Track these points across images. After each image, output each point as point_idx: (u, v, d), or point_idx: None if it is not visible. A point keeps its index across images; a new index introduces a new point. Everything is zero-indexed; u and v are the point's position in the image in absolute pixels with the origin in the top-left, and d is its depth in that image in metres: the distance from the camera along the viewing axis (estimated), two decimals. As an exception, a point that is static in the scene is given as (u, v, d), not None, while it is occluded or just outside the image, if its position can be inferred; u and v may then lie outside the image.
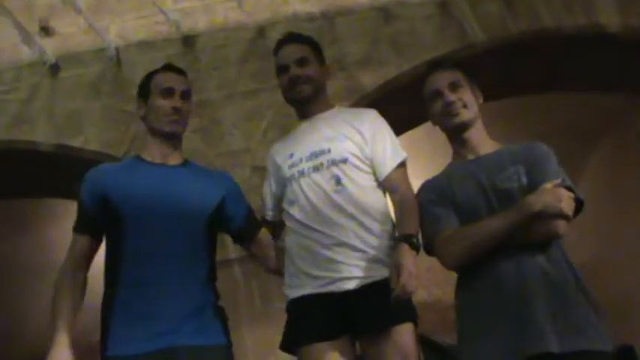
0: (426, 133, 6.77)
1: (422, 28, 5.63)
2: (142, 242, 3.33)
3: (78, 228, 3.47)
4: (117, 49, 5.74)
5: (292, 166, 3.54)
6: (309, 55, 3.67)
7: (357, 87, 5.50)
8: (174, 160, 3.57)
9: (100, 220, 3.42)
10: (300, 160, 3.52)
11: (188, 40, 5.72)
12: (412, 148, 7.64)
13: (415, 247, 3.28)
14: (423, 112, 5.83)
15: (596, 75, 6.22)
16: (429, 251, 3.40)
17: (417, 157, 8.15)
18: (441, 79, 3.50)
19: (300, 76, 3.59)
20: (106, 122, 5.54)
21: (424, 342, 3.61)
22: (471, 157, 3.43)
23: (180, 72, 3.72)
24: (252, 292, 4.99)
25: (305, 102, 3.65)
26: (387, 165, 3.52)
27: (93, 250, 3.48)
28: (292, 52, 3.65)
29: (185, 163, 3.62)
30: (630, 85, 6.30)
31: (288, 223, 3.55)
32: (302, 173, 3.49)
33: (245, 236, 3.70)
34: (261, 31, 5.63)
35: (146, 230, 3.34)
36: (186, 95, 3.61)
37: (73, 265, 3.42)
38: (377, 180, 3.52)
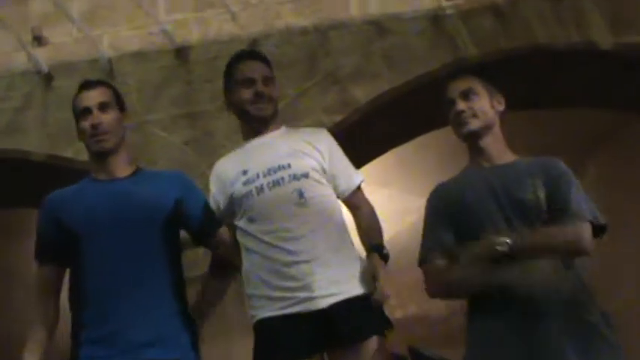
0: (419, 148, 6.85)
1: (414, 42, 5.64)
2: (98, 259, 3.35)
3: (38, 256, 3.52)
4: (110, 60, 5.75)
5: (248, 182, 3.49)
6: (272, 75, 3.70)
7: (349, 100, 5.51)
8: (122, 172, 3.57)
9: (59, 245, 3.44)
10: (257, 176, 3.48)
11: (181, 52, 5.73)
12: (404, 162, 7.76)
13: (384, 258, 3.36)
14: (415, 127, 5.90)
15: (587, 92, 6.25)
16: (420, 265, 3.43)
17: (410, 171, 8.24)
18: (455, 88, 3.51)
19: (265, 93, 3.60)
20: (99, 133, 5.53)
21: (415, 355, 3.61)
22: (486, 164, 3.45)
23: (95, 85, 3.68)
24: (243, 301, 4.99)
25: (264, 121, 3.64)
26: (350, 183, 3.59)
27: (58, 276, 3.52)
28: (258, 68, 3.66)
29: (135, 172, 3.61)
30: (620, 103, 6.33)
31: (245, 241, 3.50)
32: (260, 189, 3.45)
33: (204, 234, 3.64)
34: (254, 43, 5.63)
35: (101, 246, 3.35)
36: (103, 107, 3.57)
37: (40, 297, 3.46)
38: (336, 194, 3.56)
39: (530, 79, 5.94)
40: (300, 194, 3.43)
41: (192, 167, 5.11)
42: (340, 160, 3.62)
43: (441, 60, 5.57)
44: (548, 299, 3.13)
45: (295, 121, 4.98)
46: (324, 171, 3.52)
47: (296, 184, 3.44)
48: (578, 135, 7.77)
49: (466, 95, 3.47)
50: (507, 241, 3.11)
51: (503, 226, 3.21)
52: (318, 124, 5.13)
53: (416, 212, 8.66)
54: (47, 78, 5.78)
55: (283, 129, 3.72)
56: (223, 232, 3.64)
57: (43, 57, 5.81)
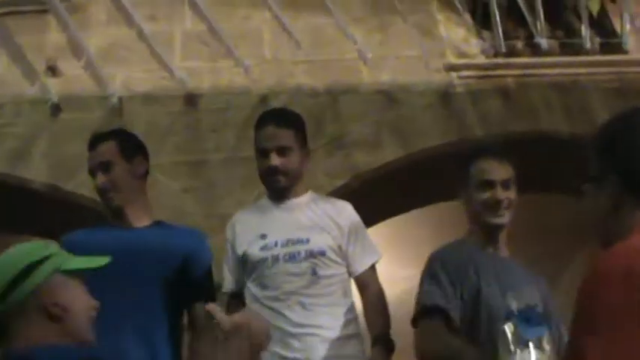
0: (412, 220, 6.86)
1: (422, 115, 5.70)
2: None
3: None
4: (120, 99, 5.79)
5: (265, 248, 3.49)
6: (291, 144, 3.59)
7: (352, 166, 5.55)
8: (139, 222, 3.58)
9: None
10: (275, 244, 3.48)
11: (191, 99, 5.77)
12: (396, 233, 7.75)
13: (390, 348, 3.34)
14: (413, 200, 5.93)
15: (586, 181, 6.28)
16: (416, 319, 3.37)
17: (401, 242, 8.23)
18: (498, 171, 3.42)
19: (279, 167, 3.55)
20: (101, 170, 5.55)
21: None
22: (491, 251, 3.42)
23: (97, 144, 3.70)
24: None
25: (280, 192, 3.63)
26: (362, 263, 3.58)
27: None
28: (275, 136, 3.58)
29: (154, 224, 3.62)
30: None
31: (253, 307, 3.49)
32: (276, 259, 3.46)
33: (190, 298, 3.58)
34: (264, 99, 5.69)
35: (98, 293, 3.36)
36: (106, 166, 3.61)
37: None
38: (348, 272, 3.56)
39: (535, 163, 5.99)
40: (314, 272, 3.45)
41: (187, 216, 5.12)
42: (358, 240, 3.60)
43: (447, 137, 5.62)
44: None
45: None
46: (340, 249, 3.52)
47: (311, 262, 3.45)
48: (571, 222, 7.79)
49: (506, 185, 3.42)
50: None
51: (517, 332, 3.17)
52: (318, 187, 5.13)
53: (403, 283, 8.67)
54: (56, 109, 5.80)
55: (309, 195, 3.69)
56: (199, 309, 3.52)
57: (55, 88, 5.85)
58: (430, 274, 3.35)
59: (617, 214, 2.05)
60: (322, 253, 3.48)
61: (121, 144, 3.68)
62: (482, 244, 3.42)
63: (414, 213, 6.41)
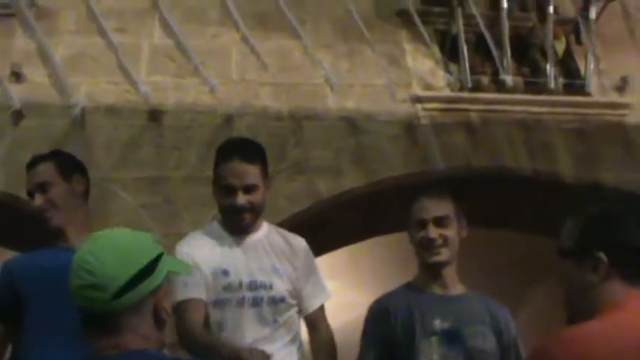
0: (371, 245, 6.88)
1: (386, 145, 5.72)
2: (41, 323, 3.37)
3: None
4: (83, 109, 5.72)
5: (229, 289, 3.42)
6: (257, 181, 3.47)
7: (313, 192, 5.55)
8: (82, 242, 3.56)
9: (7, 304, 3.47)
10: (240, 286, 3.41)
11: (155, 114, 5.73)
12: (354, 258, 7.78)
13: None
14: (372, 227, 5.94)
15: (547, 219, 6.34)
16: None
17: (359, 267, 8.26)
18: (429, 210, 3.40)
19: (245, 206, 3.44)
20: (60, 181, 5.49)
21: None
22: (438, 292, 3.42)
23: (34, 165, 3.68)
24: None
25: (243, 231, 3.54)
26: (314, 302, 3.57)
27: (7, 335, 3.56)
28: (242, 174, 3.44)
29: None
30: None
31: None
32: (241, 303, 3.40)
33: None
34: (228, 119, 5.67)
35: (44, 311, 3.35)
36: (43, 187, 3.59)
37: None
38: (299, 309, 3.56)
39: (493, 199, 6.03)
40: (275, 320, 3.42)
41: (144, 230, 5.06)
42: (310, 280, 3.57)
43: (409, 167, 5.64)
44: None
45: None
46: (295, 290, 3.50)
47: (273, 309, 3.41)
48: (534, 258, 7.85)
49: (440, 222, 3.39)
50: None
51: None
52: (278, 211, 5.15)
53: (358, 308, 8.65)
54: (17, 115, 5.72)
55: (265, 229, 3.58)
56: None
57: (18, 94, 5.77)
58: (363, 333, 3.47)
59: (597, 290, 2.10)
60: (282, 300, 3.46)
61: (58, 164, 3.66)
62: (425, 283, 3.45)
63: (374, 240, 6.42)
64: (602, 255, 2.08)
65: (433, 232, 3.36)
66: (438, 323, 3.30)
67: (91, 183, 3.93)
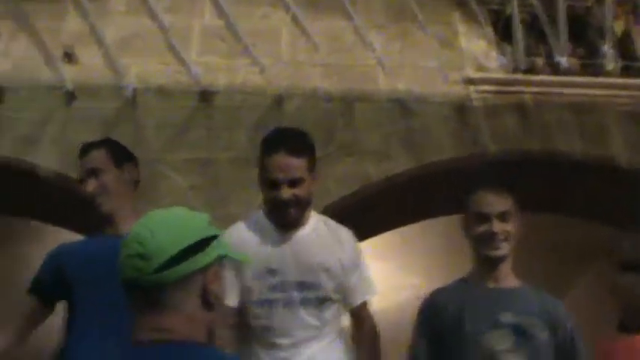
0: (423, 229, 6.84)
1: (436, 127, 5.66)
2: (87, 310, 3.43)
3: (31, 290, 3.62)
4: (134, 90, 5.76)
5: (275, 289, 3.36)
6: (303, 174, 3.37)
7: (361, 175, 5.51)
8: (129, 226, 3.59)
9: (50, 286, 3.55)
10: (288, 286, 3.36)
11: (205, 95, 5.73)
12: (406, 240, 7.74)
13: None
14: (422, 211, 5.89)
15: (600, 204, 6.26)
16: None
17: (410, 250, 8.21)
18: (494, 204, 3.39)
19: (291, 200, 3.35)
20: (111, 162, 5.53)
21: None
22: (491, 285, 3.41)
23: (86, 152, 3.70)
24: None
25: (289, 226, 3.44)
26: (359, 297, 3.52)
27: (41, 314, 3.60)
28: (287, 167, 3.34)
29: None
30: (625, 221, 6.34)
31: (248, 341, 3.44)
32: (289, 304, 3.35)
33: None
34: (278, 100, 5.65)
35: (91, 298, 3.41)
36: (96, 173, 3.61)
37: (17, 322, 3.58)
38: (344, 304, 3.52)
39: (545, 183, 5.95)
40: (322, 318, 3.39)
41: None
42: (358, 276, 3.51)
43: (460, 150, 5.57)
44: None
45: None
46: (340, 286, 3.45)
47: (319, 308, 3.37)
48: (578, 245, 7.75)
49: (503, 217, 3.37)
50: None
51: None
52: (326, 193, 5.12)
53: (409, 290, 8.68)
54: (70, 96, 5.78)
55: (313, 222, 3.49)
56: None
57: (70, 75, 5.82)
58: (415, 327, 3.50)
59: None
60: (329, 298, 3.42)
61: (110, 151, 3.69)
62: (481, 277, 3.43)
63: (424, 223, 6.38)
64: None
65: (497, 226, 3.34)
66: (503, 316, 3.30)
67: (141, 164, 3.96)
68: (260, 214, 3.52)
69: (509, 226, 3.38)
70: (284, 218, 3.37)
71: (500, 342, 3.26)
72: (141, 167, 3.92)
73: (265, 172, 3.38)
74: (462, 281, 3.53)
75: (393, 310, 7.66)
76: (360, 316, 3.54)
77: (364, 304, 3.54)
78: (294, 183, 3.34)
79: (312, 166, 3.43)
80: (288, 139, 3.45)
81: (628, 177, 5.73)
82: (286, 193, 3.32)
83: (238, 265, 3.34)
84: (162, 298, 2.02)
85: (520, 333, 3.28)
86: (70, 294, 3.49)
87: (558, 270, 7.77)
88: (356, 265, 3.51)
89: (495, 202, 3.41)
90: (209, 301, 2.07)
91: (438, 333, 3.40)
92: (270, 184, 3.36)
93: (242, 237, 3.43)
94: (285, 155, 3.33)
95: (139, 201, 3.82)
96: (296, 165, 3.34)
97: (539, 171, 5.80)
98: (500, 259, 3.38)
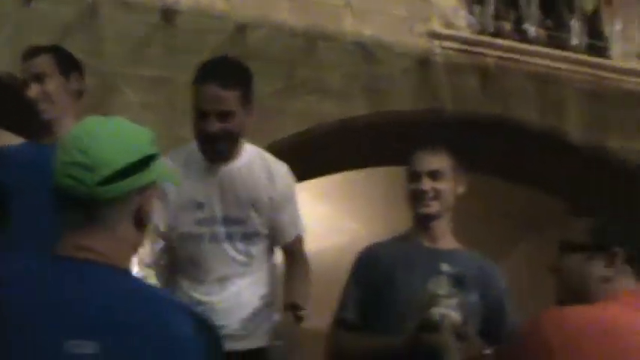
0: (368, 176, 6.85)
1: (398, 78, 5.63)
2: (22, 219, 3.34)
3: None
4: (94, 1, 5.60)
5: (202, 223, 3.26)
6: (234, 108, 3.18)
7: (317, 114, 5.47)
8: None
9: None
10: (214, 220, 3.28)
11: (168, 14, 5.61)
12: (349, 185, 7.75)
13: (299, 319, 3.28)
14: (372, 157, 5.88)
15: (547, 175, 6.32)
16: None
17: (353, 196, 8.23)
18: (426, 163, 3.30)
19: (218, 133, 3.16)
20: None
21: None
22: (427, 244, 3.40)
23: (31, 56, 3.43)
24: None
25: (217, 160, 3.27)
26: (291, 233, 3.48)
27: None
28: (217, 98, 3.17)
29: None
30: (574, 193, 6.42)
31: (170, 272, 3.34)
32: (215, 239, 3.25)
33: None
34: (242, 29, 5.55)
35: (25, 207, 3.34)
36: (39, 78, 3.52)
37: None
38: (276, 242, 3.48)
39: (497, 149, 5.98)
40: (248, 254, 3.35)
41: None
42: (289, 211, 3.45)
43: (418, 104, 5.56)
44: None
45: (260, 118, 4.89)
46: (269, 221, 3.41)
47: (246, 243, 3.32)
48: (521, 213, 7.84)
49: (434, 175, 3.37)
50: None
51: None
52: (281, 128, 5.08)
53: (348, 234, 8.72)
54: (26, -2, 5.62)
55: (246, 155, 3.44)
56: None
57: (29, -25, 5.65)
58: (348, 278, 3.42)
59: (606, 284, 2.27)
60: (257, 234, 3.36)
61: (57, 58, 3.55)
62: (417, 235, 3.43)
63: (371, 170, 6.38)
64: (619, 250, 2.17)
65: (427, 184, 3.34)
66: (442, 266, 3.30)
67: (96, 76, 3.87)
68: (193, 146, 3.42)
69: (442, 185, 3.37)
70: (211, 151, 3.26)
71: (438, 287, 3.26)
72: (95, 80, 3.84)
73: (195, 102, 3.21)
74: (400, 238, 3.52)
75: (331, 253, 7.69)
76: (292, 251, 3.49)
77: (297, 240, 3.50)
78: (223, 116, 3.18)
79: (246, 100, 3.29)
80: (220, 70, 3.30)
81: (579, 153, 5.78)
82: (214, 125, 3.14)
83: (165, 196, 3.29)
84: (96, 215, 1.88)
85: (458, 283, 3.28)
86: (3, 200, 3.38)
87: (500, 235, 7.85)
88: (287, 201, 3.44)
89: (428, 160, 3.38)
90: (142, 221, 2.00)
91: (372, 284, 3.39)
92: (199, 114, 3.19)
93: (170, 167, 3.35)
94: (215, 86, 3.15)
95: (88, 114, 3.72)
96: (226, 97, 3.16)
97: (492, 136, 5.82)
98: (431, 218, 3.36)
